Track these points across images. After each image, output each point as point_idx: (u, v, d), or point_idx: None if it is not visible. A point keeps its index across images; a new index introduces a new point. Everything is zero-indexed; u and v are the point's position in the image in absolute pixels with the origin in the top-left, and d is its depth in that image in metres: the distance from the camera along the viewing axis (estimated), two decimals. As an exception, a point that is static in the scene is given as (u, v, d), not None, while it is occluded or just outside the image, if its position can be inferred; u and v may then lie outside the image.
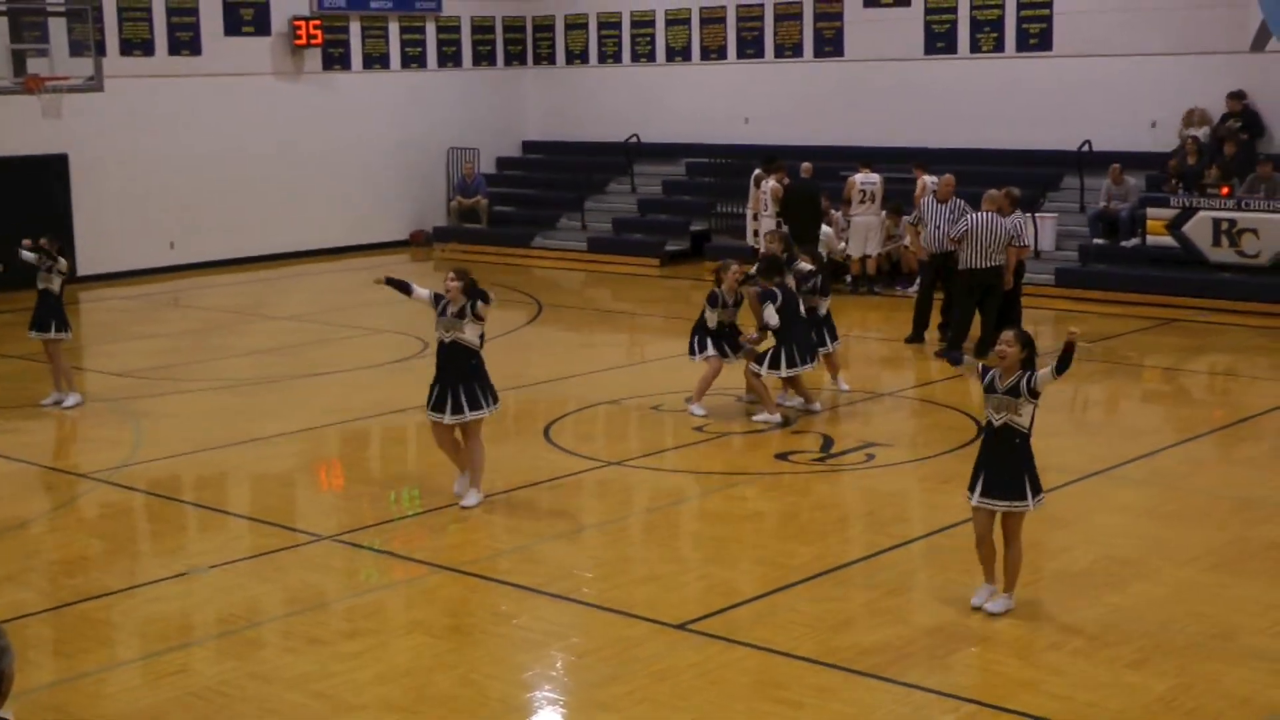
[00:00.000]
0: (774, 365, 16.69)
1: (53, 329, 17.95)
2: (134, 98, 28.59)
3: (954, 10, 28.99)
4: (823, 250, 24.78)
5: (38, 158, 27.72)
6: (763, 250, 19.43)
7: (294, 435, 16.75)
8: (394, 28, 33.17)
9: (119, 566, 12.48)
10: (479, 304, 13.30)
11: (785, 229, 22.18)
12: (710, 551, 12.77)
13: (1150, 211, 24.71)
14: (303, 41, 31.25)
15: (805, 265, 17.89)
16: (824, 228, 25.24)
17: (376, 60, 32.94)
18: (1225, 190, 24.01)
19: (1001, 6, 28.45)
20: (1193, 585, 11.58)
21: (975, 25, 28.79)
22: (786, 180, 25.62)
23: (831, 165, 27.97)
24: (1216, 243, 23.84)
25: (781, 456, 15.53)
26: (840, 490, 14.82)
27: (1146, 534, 12.83)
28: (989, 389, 10.83)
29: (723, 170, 31.19)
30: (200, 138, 29.93)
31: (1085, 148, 26.85)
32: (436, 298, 13.57)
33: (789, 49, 31.42)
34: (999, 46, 28.58)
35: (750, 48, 32.02)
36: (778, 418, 16.69)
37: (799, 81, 31.19)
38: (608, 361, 20.81)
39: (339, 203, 32.24)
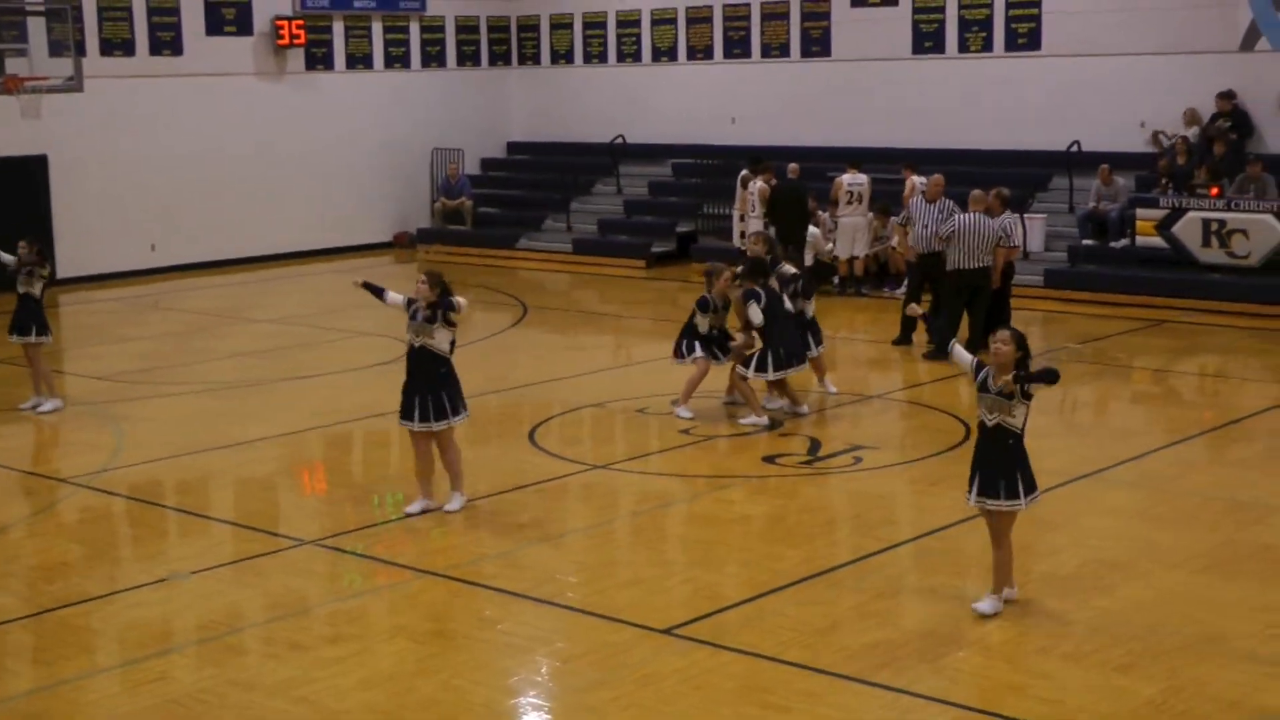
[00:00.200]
0: (760, 368, 16.68)
1: (33, 333, 17.89)
2: (114, 98, 28.55)
3: (942, 10, 29.00)
4: (810, 251, 24.90)
5: (17, 159, 27.65)
6: (747, 252, 19.44)
7: (276, 439, 16.71)
8: (377, 27, 33.15)
9: (99, 572, 12.45)
10: (450, 309, 13.24)
11: (771, 231, 22.21)
12: (696, 555, 12.75)
13: (1140, 212, 24.72)
14: (285, 41, 31.21)
15: (789, 268, 17.90)
16: (811, 229, 25.28)
17: (360, 60, 32.91)
18: (1215, 191, 24.03)
19: (990, 6, 28.47)
20: (1182, 588, 11.59)
21: (963, 25, 28.81)
22: (774, 181, 25.62)
23: (819, 166, 27.97)
24: (1206, 243, 23.86)
25: (768, 459, 15.52)
26: (828, 493, 14.81)
27: (1136, 536, 12.83)
28: (982, 388, 10.86)
29: (709, 171, 31.16)
30: (182, 138, 29.89)
31: (1074, 148, 26.87)
32: (409, 302, 13.54)
33: (776, 49, 31.42)
34: (987, 46, 28.60)
35: (737, 47, 32.02)
36: (765, 420, 16.68)
37: (786, 81, 31.19)
38: (593, 364, 20.79)
39: (322, 204, 32.20)
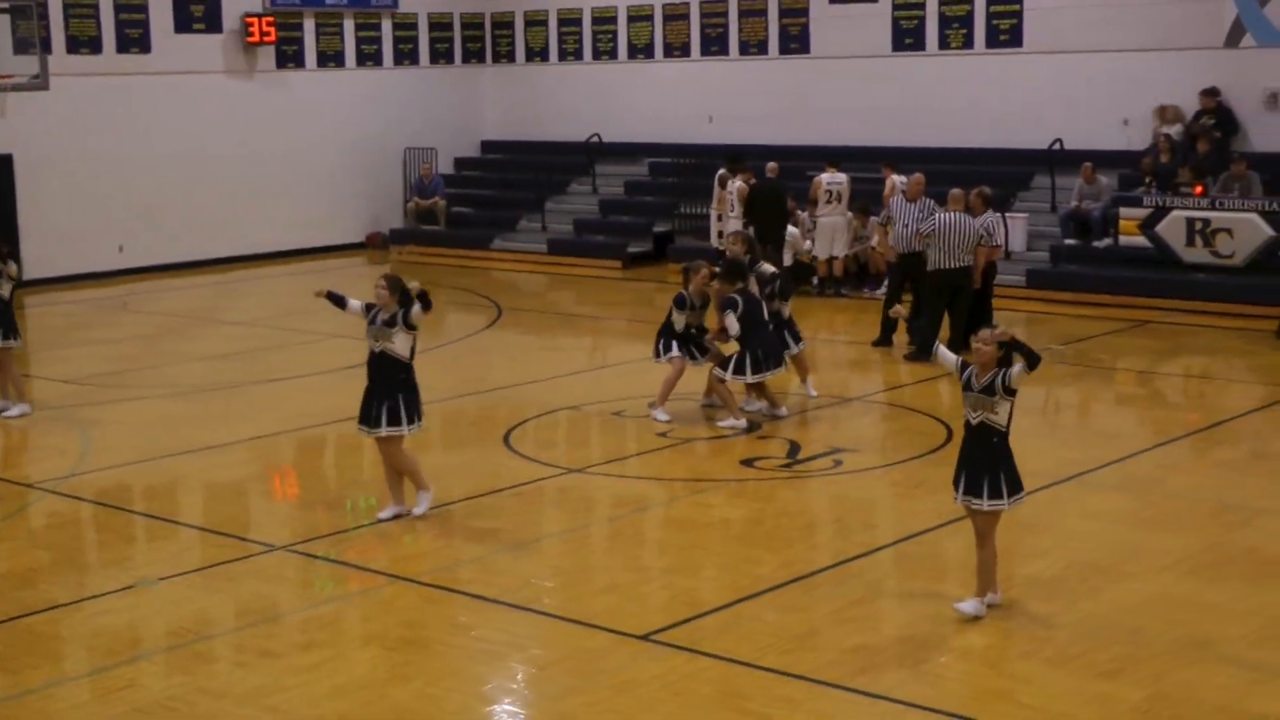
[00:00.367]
0: (739, 370, 16.69)
1: (1, 336, 17.80)
2: (81, 96, 28.47)
3: (922, 6, 29.02)
4: (788, 251, 24.89)
5: (-19, 158, 27.61)
6: (726, 252, 19.43)
7: (247, 443, 16.67)
8: (349, 25, 33.08)
9: (66, 579, 12.39)
10: (412, 311, 13.17)
11: (750, 231, 22.19)
12: (674, 560, 12.74)
13: (1123, 211, 24.76)
14: (255, 39, 31.14)
15: (768, 268, 17.90)
16: (790, 228, 25.26)
17: (331, 58, 32.85)
18: (1199, 189, 24.07)
19: (970, 2, 28.47)
20: (1169, 591, 11.60)
21: (944, 21, 28.83)
22: (753, 180, 25.62)
23: (797, 165, 27.98)
24: (1190, 243, 23.90)
25: (747, 463, 15.51)
26: (807, 496, 14.82)
27: (1121, 539, 12.85)
28: (966, 387, 10.90)
29: (686, 170, 31.14)
30: (150, 138, 29.80)
31: (1056, 146, 26.90)
32: (368, 307, 13.50)
33: (754, 46, 31.42)
34: (968, 43, 28.62)
35: (714, 45, 32.02)
36: (743, 423, 16.68)
37: (764, 79, 31.18)
38: (569, 366, 20.76)
39: (293, 205, 32.13)
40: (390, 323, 13.26)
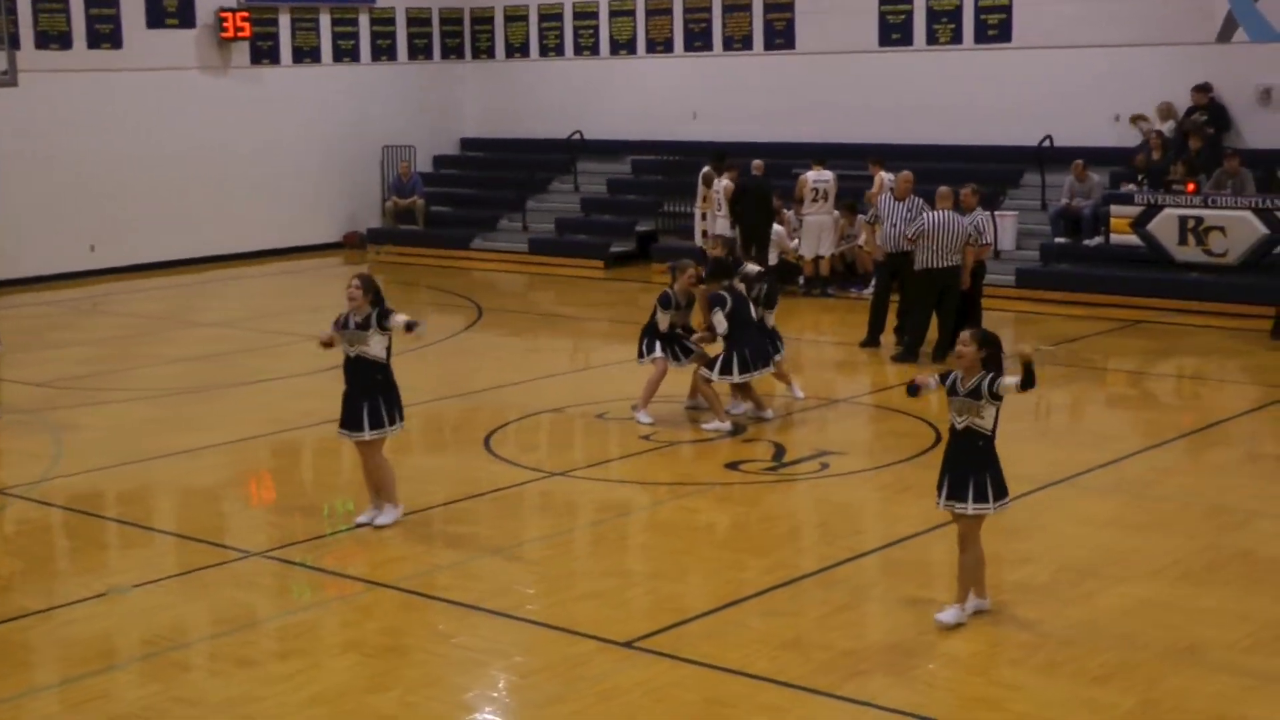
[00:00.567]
0: (725, 371, 16.69)
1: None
2: (51, 93, 28.41)
3: (909, 0, 29.07)
4: (774, 250, 24.93)
5: (-51, 157, 27.57)
6: (708, 255, 19.47)
7: (222, 447, 16.65)
8: (325, 20, 33.07)
9: (37, 586, 12.38)
10: (391, 319, 13.13)
11: (736, 232, 22.22)
12: (658, 565, 12.77)
13: (1114, 209, 24.82)
14: (230, 34, 31.11)
15: (752, 268, 17.92)
16: (775, 227, 25.31)
17: (307, 54, 32.83)
18: (1191, 187, 24.13)
19: (959, -4, 28.60)
20: (1160, 596, 11.63)
21: (932, 16, 28.87)
22: (738, 178, 25.64)
23: (783, 162, 28.03)
24: (1183, 241, 23.96)
25: (732, 466, 15.53)
26: (793, 500, 14.84)
27: (1112, 544, 12.88)
28: (951, 391, 10.92)
29: (670, 168, 31.16)
30: (122, 135, 29.77)
31: (1046, 143, 26.97)
32: (339, 320, 13.43)
33: (738, 41, 31.45)
34: (956, 38, 28.68)
35: (698, 40, 32.03)
36: (728, 426, 16.69)
37: (749, 75, 31.21)
38: (551, 368, 20.76)
39: (269, 203, 32.11)
40: (364, 325, 13.24)
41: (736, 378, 16.76)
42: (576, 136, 32.91)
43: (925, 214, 20.39)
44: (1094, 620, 11.10)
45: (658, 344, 17.05)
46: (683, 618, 11.32)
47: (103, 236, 29.71)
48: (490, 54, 35.33)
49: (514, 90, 34.87)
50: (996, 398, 10.78)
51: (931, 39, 28.95)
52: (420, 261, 30.96)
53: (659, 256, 28.55)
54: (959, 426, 10.93)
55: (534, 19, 34.46)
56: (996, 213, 25.02)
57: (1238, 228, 23.52)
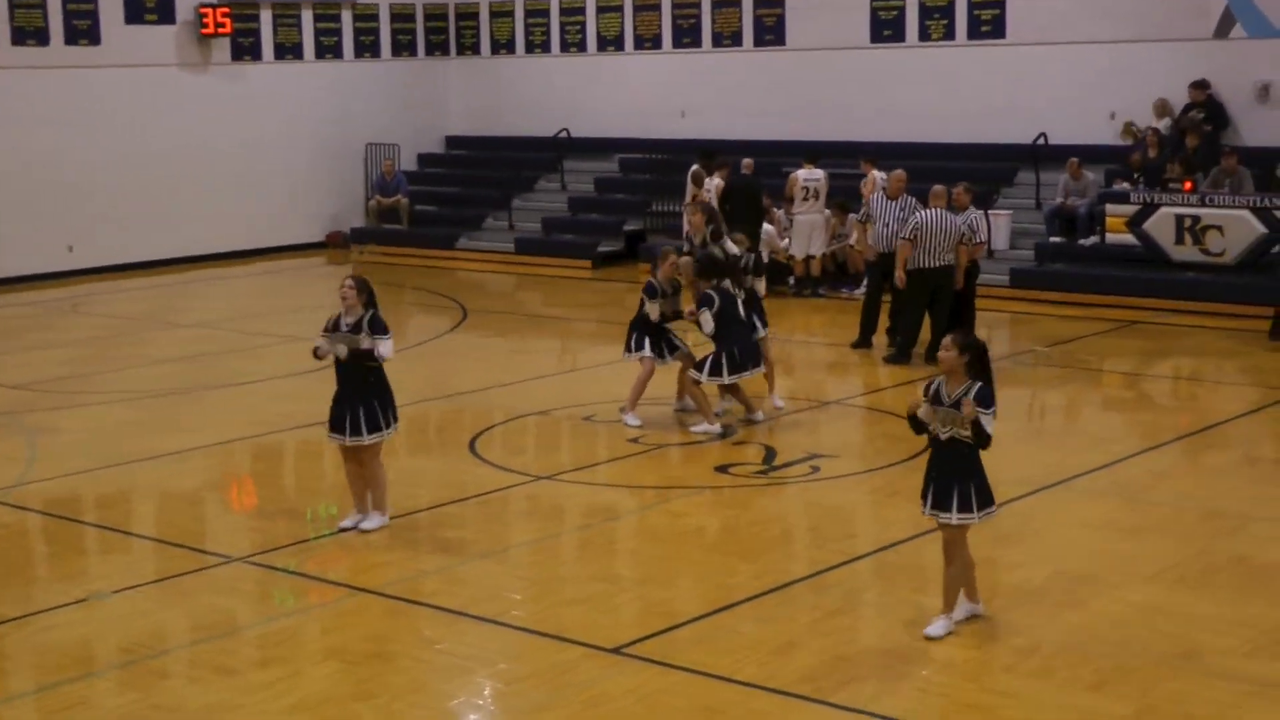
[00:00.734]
0: (715, 372, 16.67)
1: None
2: (28, 90, 28.41)
3: (902, -4, 29.15)
4: (764, 250, 24.91)
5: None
6: (686, 227, 19.53)
7: (202, 450, 16.63)
8: (307, 16, 33.05)
9: (13, 593, 12.34)
10: (379, 348, 13.11)
11: (711, 201, 22.24)
12: (646, 570, 12.76)
13: (1110, 208, 24.84)
14: (210, 30, 31.08)
15: (733, 246, 17.85)
16: (765, 226, 25.28)
17: (289, 50, 32.81)
18: (1188, 185, 24.15)
19: (951, -8, 28.63)
20: (1156, 602, 11.63)
21: (924, 12, 28.90)
22: (728, 176, 25.65)
23: (773, 161, 28.04)
24: (1179, 240, 23.99)
25: (722, 469, 15.52)
26: (784, 504, 14.84)
27: (1107, 548, 12.89)
28: (935, 400, 10.84)
29: (658, 166, 31.16)
30: (100, 133, 29.73)
31: (1041, 141, 27.00)
32: (330, 322, 13.41)
33: (728, 38, 31.46)
34: (949, 34, 28.70)
35: (687, 36, 32.05)
36: (717, 428, 16.69)
37: (738, 72, 31.24)
38: (537, 369, 20.75)
39: (250, 202, 32.06)
40: (356, 328, 13.22)
41: (726, 379, 16.75)
42: (563, 134, 32.91)
43: (917, 214, 20.38)
44: (1089, 625, 11.11)
45: (646, 341, 17.02)
46: (672, 623, 11.31)
47: (81, 236, 29.66)
48: (475, 50, 35.33)
49: (500, 87, 34.86)
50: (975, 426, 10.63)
51: (924, 35, 28.98)
52: (405, 261, 30.95)
53: (647, 256, 28.52)
54: (943, 437, 10.87)
55: (520, 15, 34.45)
56: (990, 212, 25.04)
57: (1235, 227, 23.54)
